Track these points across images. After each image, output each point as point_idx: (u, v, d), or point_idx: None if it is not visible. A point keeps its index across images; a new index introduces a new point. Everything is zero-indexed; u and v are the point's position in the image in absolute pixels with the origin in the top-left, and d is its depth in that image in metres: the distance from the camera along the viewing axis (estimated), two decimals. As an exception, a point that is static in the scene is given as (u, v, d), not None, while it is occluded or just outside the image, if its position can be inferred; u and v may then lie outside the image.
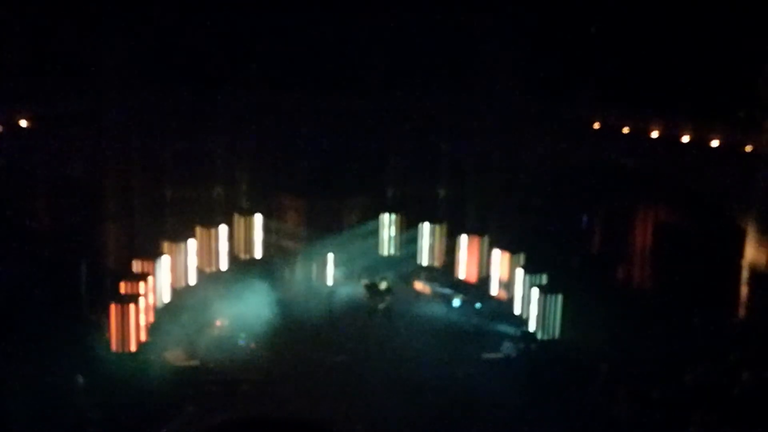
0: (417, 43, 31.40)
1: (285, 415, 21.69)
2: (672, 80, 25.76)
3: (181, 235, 30.15)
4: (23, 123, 26.05)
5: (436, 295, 30.93)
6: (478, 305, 29.58)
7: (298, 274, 31.79)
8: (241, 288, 28.84)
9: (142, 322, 25.23)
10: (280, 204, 33.18)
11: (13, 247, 24.76)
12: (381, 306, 28.43)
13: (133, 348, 24.77)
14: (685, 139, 26.12)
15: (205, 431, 20.91)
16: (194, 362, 24.72)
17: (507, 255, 29.66)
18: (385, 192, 33.95)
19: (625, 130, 28.35)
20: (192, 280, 30.20)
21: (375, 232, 32.80)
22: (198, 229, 30.84)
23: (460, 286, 31.04)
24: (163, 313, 27.68)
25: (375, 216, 32.80)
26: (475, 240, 31.16)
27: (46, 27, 26.91)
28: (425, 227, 32.32)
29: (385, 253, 32.91)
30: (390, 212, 32.76)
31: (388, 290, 28.83)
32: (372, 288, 28.71)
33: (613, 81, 28.02)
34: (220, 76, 30.84)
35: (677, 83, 25.54)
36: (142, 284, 25.98)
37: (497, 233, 31.36)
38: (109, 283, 26.63)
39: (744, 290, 24.78)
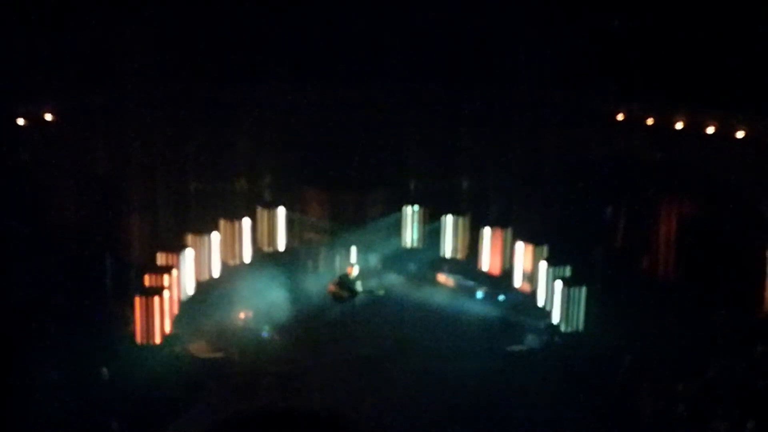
0: (439, 33, 31.32)
1: (306, 407, 21.76)
2: (697, 71, 25.56)
3: (204, 228, 30.27)
4: (48, 117, 26.19)
5: (459, 288, 30.93)
6: (501, 297, 29.58)
7: (321, 266, 31.84)
8: (264, 280, 28.95)
9: (167, 315, 25.39)
10: (303, 197, 33.21)
11: (38, 242, 24.94)
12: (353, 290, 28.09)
13: (157, 340, 24.93)
14: (710, 130, 25.90)
15: (226, 422, 21.12)
16: (218, 354, 24.84)
17: (530, 247, 29.58)
18: (407, 184, 33.90)
19: (649, 121, 28.15)
20: (216, 273, 30.33)
21: (398, 225, 32.78)
22: (222, 222, 30.97)
23: (484, 279, 31.03)
24: (187, 305, 27.84)
25: (398, 208, 32.78)
26: (499, 232, 31.10)
27: (69, 20, 26.99)
28: (448, 219, 32.30)
29: (408, 245, 32.90)
30: (413, 204, 32.74)
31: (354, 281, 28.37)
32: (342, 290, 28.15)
33: (636, 72, 27.82)
34: (243, 69, 30.85)
35: (702, 74, 25.33)
36: (166, 277, 26.14)
37: (520, 225, 31.24)
38: (134, 275, 26.77)
39: (770, 283, 24.64)
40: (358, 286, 28.04)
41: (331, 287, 28.07)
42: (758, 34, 24.10)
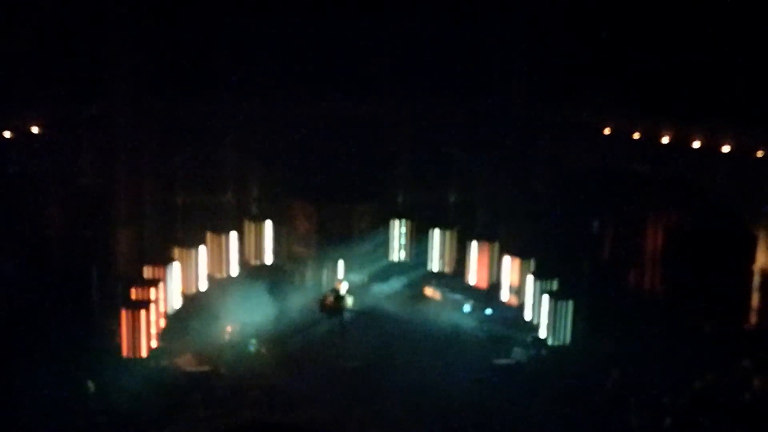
0: (426, 47, 31.47)
1: (292, 421, 21.61)
2: (682, 85, 25.72)
3: (191, 241, 30.23)
4: (34, 129, 26.13)
5: (446, 301, 30.89)
6: (488, 311, 29.57)
7: (308, 280, 31.79)
8: (251, 294, 28.91)
9: (153, 328, 25.26)
10: (290, 210, 33.21)
11: (24, 254, 24.85)
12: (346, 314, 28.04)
13: (144, 354, 24.80)
14: (696, 144, 26.04)
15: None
16: (205, 368, 24.72)
17: (517, 261, 29.60)
18: (395, 198, 33.93)
19: (636, 135, 28.27)
20: (203, 286, 30.26)
21: (385, 238, 32.76)
22: (209, 235, 30.92)
23: (471, 292, 31.02)
24: (173, 318, 27.75)
25: (385, 222, 32.78)
26: (486, 246, 31.12)
27: (56, 32, 26.99)
28: (435, 233, 32.31)
29: (396, 258, 32.88)
30: (400, 218, 32.74)
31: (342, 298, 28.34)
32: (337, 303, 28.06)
33: (623, 86, 27.99)
34: (231, 82, 30.90)
35: (688, 87, 25.49)
36: (153, 290, 26.03)
37: (508, 239, 31.31)
38: (120, 289, 26.67)
39: (756, 296, 24.71)
40: (348, 302, 27.98)
41: (327, 301, 27.93)
42: (745, 51, 24.29)
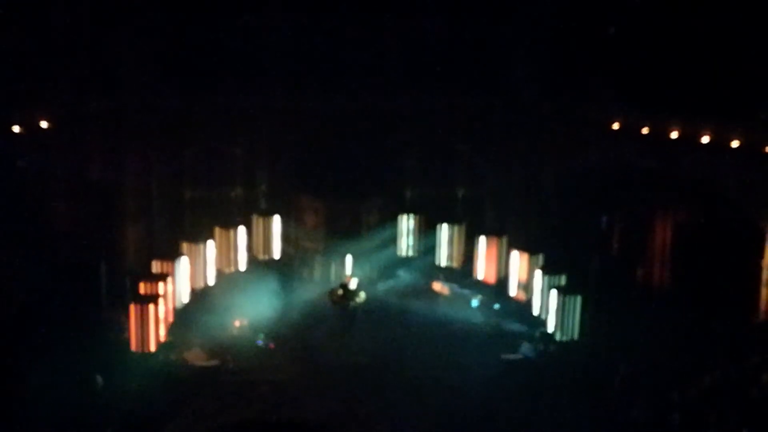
0: (434, 43, 31.46)
1: (300, 416, 21.60)
2: (691, 80, 25.65)
3: (200, 236, 30.26)
4: (43, 124, 26.17)
5: (454, 296, 30.91)
6: (496, 306, 29.58)
7: (316, 274, 31.84)
8: (259, 288, 28.96)
9: (162, 323, 25.34)
10: (298, 205, 33.23)
11: (33, 249, 24.90)
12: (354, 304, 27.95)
13: (152, 348, 24.88)
14: (705, 140, 25.97)
15: (220, 430, 21.13)
16: (213, 362, 24.81)
17: (526, 256, 29.58)
18: (403, 193, 33.92)
19: (645, 130, 28.21)
20: (211, 281, 30.30)
21: (393, 233, 32.75)
22: (217, 230, 30.95)
23: (479, 287, 31.03)
24: (182, 313, 27.80)
25: (393, 217, 32.77)
26: (494, 241, 31.09)
27: (65, 27, 27.04)
28: (444, 228, 32.29)
29: (404, 253, 32.88)
30: (408, 213, 32.72)
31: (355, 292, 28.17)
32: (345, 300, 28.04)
33: (632, 81, 27.91)
34: (239, 77, 30.93)
35: (697, 83, 25.42)
36: (161, 285, 26.08)
37: (516, 234, 31.28)
38: (129, 283, 26.72)
39: (764, 292, 24.63)
40: (360, 298, 27.94)
41: (335, 296, 27.88)
42: (753, 46, 24.22)
